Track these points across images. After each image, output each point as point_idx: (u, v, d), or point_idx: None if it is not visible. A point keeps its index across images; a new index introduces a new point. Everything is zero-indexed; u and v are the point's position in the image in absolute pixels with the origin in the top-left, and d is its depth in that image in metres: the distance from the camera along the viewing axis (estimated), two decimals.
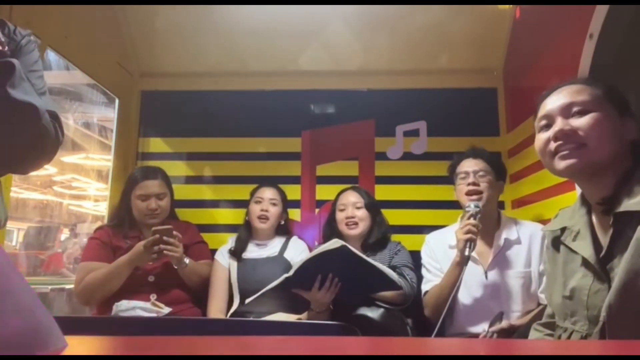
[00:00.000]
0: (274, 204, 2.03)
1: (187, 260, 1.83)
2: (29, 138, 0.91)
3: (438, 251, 1.75)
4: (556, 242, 1.05)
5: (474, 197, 1.62)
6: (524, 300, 1.57)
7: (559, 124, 0.95)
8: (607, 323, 0.86)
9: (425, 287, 1.73)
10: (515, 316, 1.56)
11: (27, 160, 0.98)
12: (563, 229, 1.03)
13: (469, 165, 1.69)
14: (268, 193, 2.04)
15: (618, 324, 0.85)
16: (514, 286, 1.59)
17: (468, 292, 1.65)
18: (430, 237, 1.84)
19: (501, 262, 1.63)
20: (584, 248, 0.94)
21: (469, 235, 1.50)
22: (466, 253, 1.49)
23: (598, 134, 0.92)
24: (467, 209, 1.58)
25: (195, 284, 1.92)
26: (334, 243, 1.50)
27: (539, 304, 1.58)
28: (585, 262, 0.94)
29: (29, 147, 0.94)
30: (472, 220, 1.53)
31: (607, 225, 0.92)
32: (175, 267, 1.81)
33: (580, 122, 0.93)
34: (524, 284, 1.58)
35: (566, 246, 1.00)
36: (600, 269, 0.91)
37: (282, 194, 2.09)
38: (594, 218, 0.98)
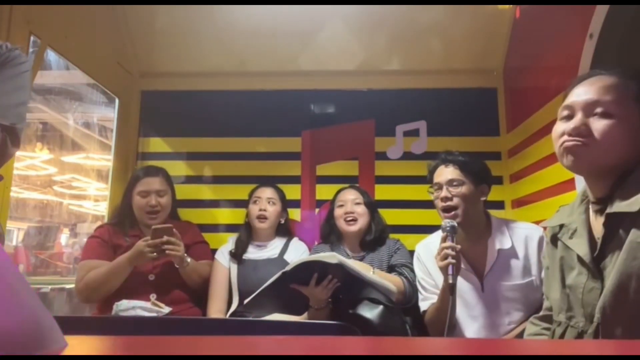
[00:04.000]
0: (273, 203, 2.02)
1: (188, 260, 1.83)
2: None
3: (428, 264, 1.67)
4: (555, 238, 1.05)
5: (449, 213, 1.52)
6: (523, 310, 1.49)
7: (577, 120, 0.93)
8: (601, 324, 0.86)
9: (423, 305, 1.66)
10: (512, 327, 1.50)
11: None
12: (561, 226, 1.03)
13: (442, 175, 1.58)
14: (266, 192, 2.04)
15: (612, 326, 0.86)
16: (511, 298, 1.50)
17: (464, 304, 1.56)
18: (420, 249, 1.74)
19: (497, 274, 1.53)
20: (580, 246, 0.95)
21: (447, 262, 1.39)
22: (450, 281, 1.38)
23: (612, 141, 0.90)
24: (442, 228, 1.47)
25: (196, 283, 1.92)
26: (331, 257, 1.49)
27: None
28: (580, 260, 0.94)
29: None
30: (448, 243, 1.42)
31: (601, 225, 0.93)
32: (177, 266, 1.81)
33: (598, 125, 0.91)
34: (523, 294, 1.50)
35: (563, 243, 1.01)
36: (595, 267, 0.91)
37: (281, 193, 2.09)
38: (591, 216, 0.98)
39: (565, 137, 0.94)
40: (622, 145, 0.91)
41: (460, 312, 1.58)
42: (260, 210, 2.00)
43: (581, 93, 0.95)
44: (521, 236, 1.56)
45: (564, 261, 1.01)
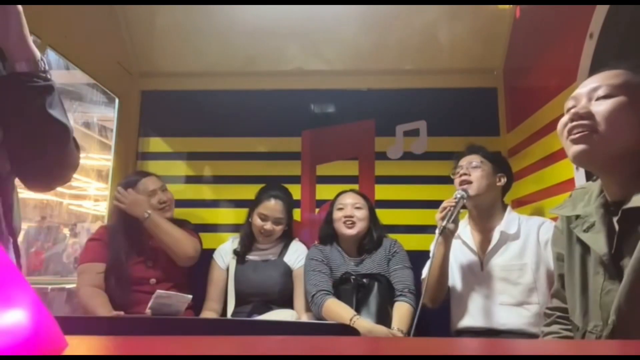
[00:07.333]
0: (278, 223, 1.98)
1: (149, 212, 1.83)
2: (58, 156, 0.96)
3: None
4: (569, 229, 0.99)
5: (464, 186, 1.65)
6: (518, 293, 1.57)
7: (579, 106, 0.90)
8: (617, 326, 0.82)
9: (424, 273, 1.74)
10: (507, 308, 1.57)
11: (53, 176, 1.02)
12: (576, 216, 0.96)
13: (465, 160, 1.73)
14: (275, 211, 1.96)
15: (628, 327, 0.81)
16: (508, 278, 1.59)
17: (465, 280, 1.68)
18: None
19: (497, 254, 1.64)
20: (598, 243, 0.89)
21: (443, 213, 1.55)
22: (443, 223, 1.52)
23: (614, 121, 0.85)
24: (454, 195, 1.62)
25: (165, 244, 1.85)
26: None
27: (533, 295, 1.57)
28: (598, 259, 0.89)
29: (56, 165, 0.98)
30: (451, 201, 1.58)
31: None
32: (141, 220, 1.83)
33: (600, 107, 0.87)
34: (518, 276, 1.58)
35: (577, 236, 0.95)
36: (613, 267, 0.86)
37: (288, 207, 2.02)
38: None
39: (569, 125, 0.90)
40: (625, 127, 0.85)
41: (461, 288, 1.68)
42: (266, 229, 1.95)
43: (586, 84, 0.94)
44: (528, 225, 1.65)
45: (584, 258, 0.95)
